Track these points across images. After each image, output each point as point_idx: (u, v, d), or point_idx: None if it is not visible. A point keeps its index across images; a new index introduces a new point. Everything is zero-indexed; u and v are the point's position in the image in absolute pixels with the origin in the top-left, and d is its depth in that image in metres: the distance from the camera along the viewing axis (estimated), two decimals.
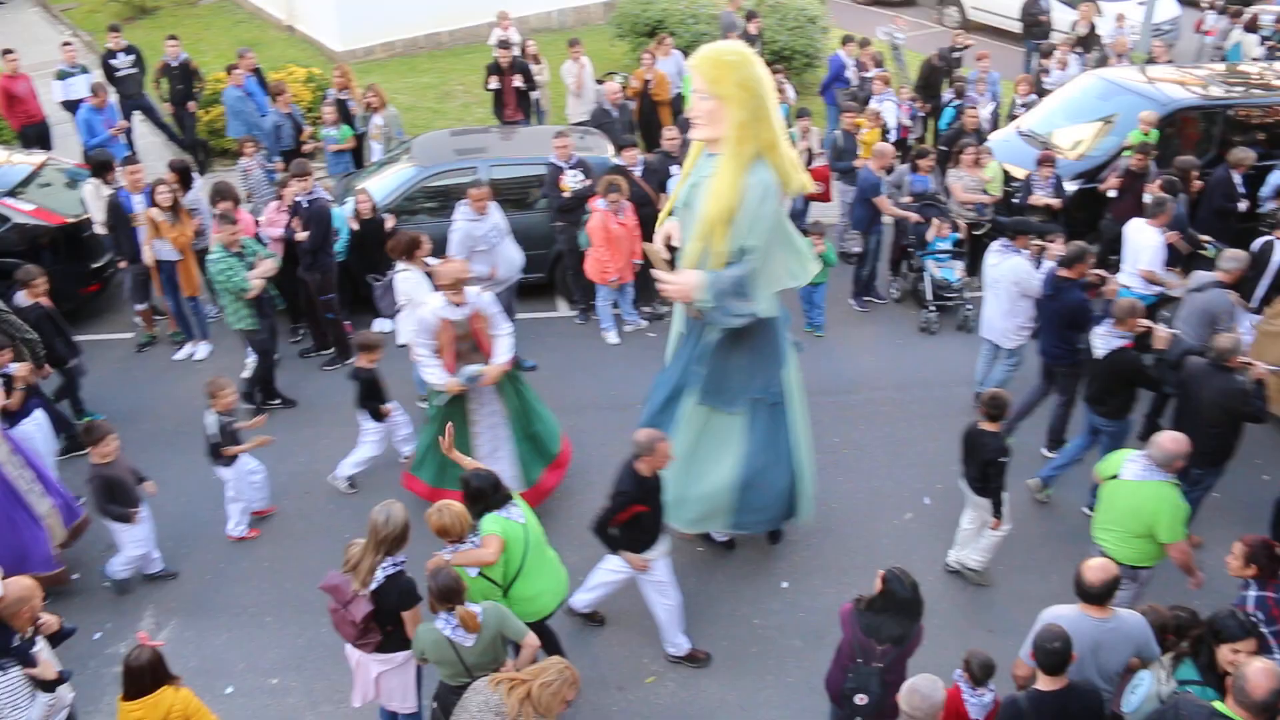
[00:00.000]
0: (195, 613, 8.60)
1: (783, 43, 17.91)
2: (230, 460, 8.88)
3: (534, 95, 15.58)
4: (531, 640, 6.37)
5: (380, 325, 12.06)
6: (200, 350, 11.83)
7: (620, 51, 19.00)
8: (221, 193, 10.83)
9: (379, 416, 9.54)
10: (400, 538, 6.44)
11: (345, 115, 14.09)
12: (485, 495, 6.84)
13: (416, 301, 9.60)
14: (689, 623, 8.12)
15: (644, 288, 12.13)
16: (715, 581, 8.78)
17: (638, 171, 11.74)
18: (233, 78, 14.51)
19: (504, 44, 15.36)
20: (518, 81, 15.07)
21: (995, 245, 10.18)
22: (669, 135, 12.32)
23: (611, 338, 11.93)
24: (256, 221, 11.51)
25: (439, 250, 10.48)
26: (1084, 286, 9.47)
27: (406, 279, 9.89)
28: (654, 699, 7.80)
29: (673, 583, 7.81)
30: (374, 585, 6.42)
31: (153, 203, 11.06)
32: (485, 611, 6.23)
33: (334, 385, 11.01)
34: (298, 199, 11.19)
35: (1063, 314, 9.44)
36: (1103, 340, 8.93)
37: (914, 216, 12.14)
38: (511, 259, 10.97)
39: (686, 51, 15.91)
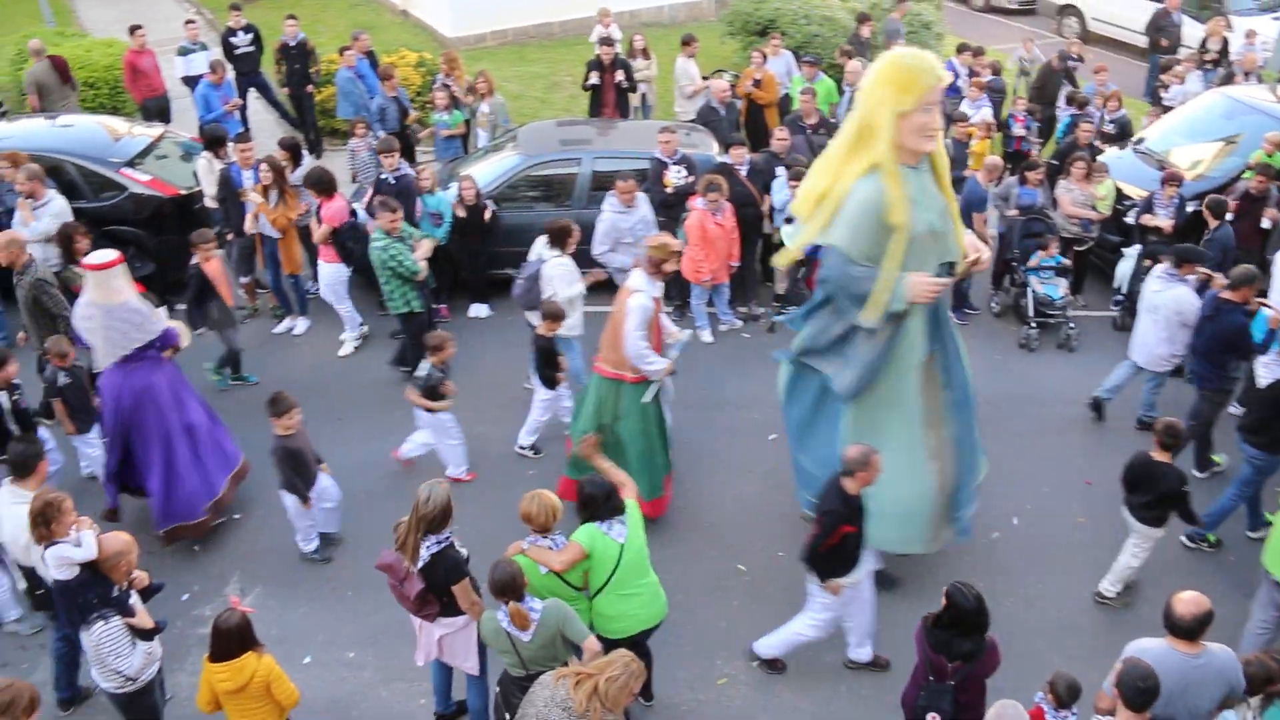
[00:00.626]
0: (279, 582, 8.78)
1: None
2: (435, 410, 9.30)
3: (640, 90, 15.57)
4: (592, 644, 6.29)
5: (476, 311, 12.21)
6: (299, 325, 12.06)
7: (730, 50, 18.90)
8: (319, 180, 11.04)
9: (551, 384, 9.70)
10: (440, 517, 6.49)
11: (456, 101, 14.25)
12: (595, 503, 6.63)
13: (562, 293, 9.75)
14: (763, 628, 8.05)
15: (739, 288, 12.05)
16: (796, 590, 8.66)
17: (743, 171, 11.65)
18: (345, 59, 14.76)
19: (607, 41, 15.36)
20: (618, 78, 15.06)
21: (1158, 270, 9.90)
22: (779, 136, 12.20)
23: (705, 336, 11.84)
24: (353, 209, 11.64)
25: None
26: (1247, 312, 9.14)
27: (559, 266, 9.89)
28: (725, 701, 7.73)
29: (873, 595, 7.66)
30: (421, 563, 6.53)
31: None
32: (545, 610, 6.23)
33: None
34: (383, 176, 11.40)
35: (1221, 337, 9.13)
36: (1267, 369, 8.64)
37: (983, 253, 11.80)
38: None
39: (797, 52, 15.86)
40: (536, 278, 10.00)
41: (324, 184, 11.06)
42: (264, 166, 11.26)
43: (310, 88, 15.89)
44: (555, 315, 9.46)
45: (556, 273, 9.88)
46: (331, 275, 11.31)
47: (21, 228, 10.86)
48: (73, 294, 9.70)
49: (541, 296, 9.93)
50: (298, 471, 8.39)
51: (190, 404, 8.96)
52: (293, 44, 15.64)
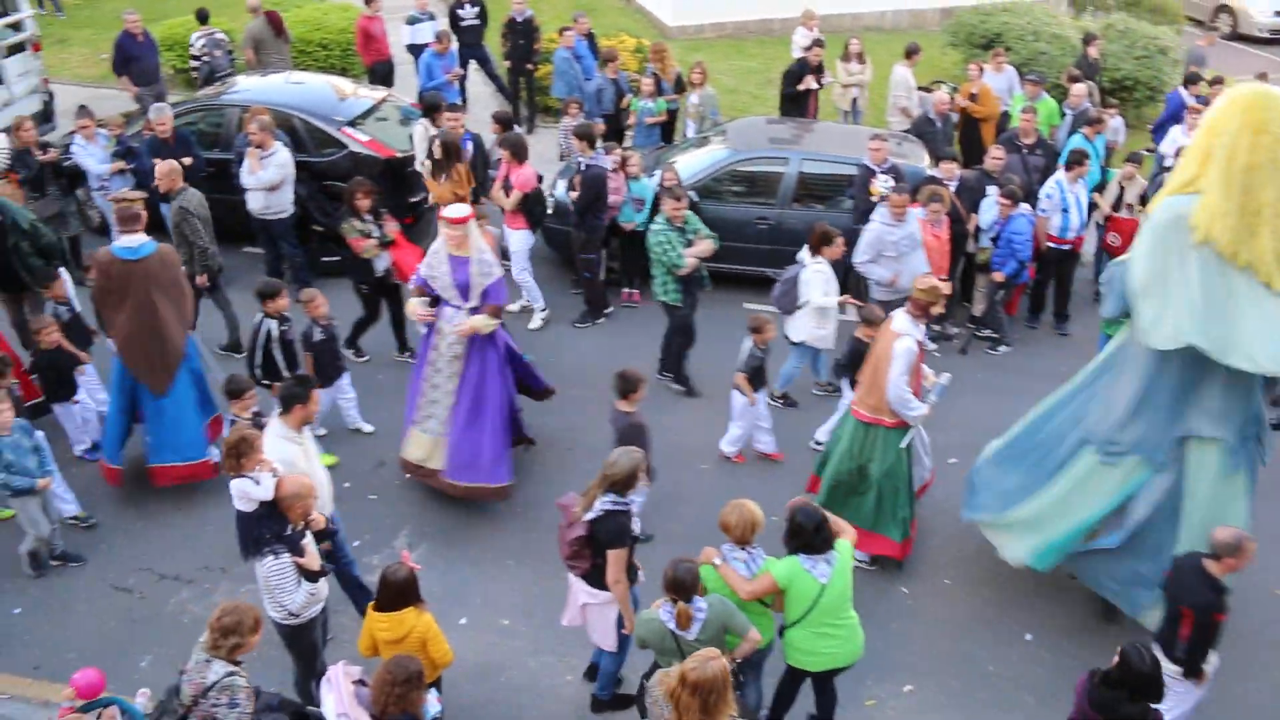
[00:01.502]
0: (446, 543, 9.01)
1: (1126, 71, 16.85)
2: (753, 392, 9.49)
3: (852, 95, 15.31)
4: (753, 635, 6.29)
5: None
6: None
7: (951, 61, 18.45)
8: (514, 144, 11.34)
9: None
10: (624, 481, 6.65)
11: (661, 89, 14.33)
12: (803, 534, 6.39)
13: (815, 301, 9.77)
14: (919, 654, 7.82)
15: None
16: (956, 619, 8.42)
17: (952, 187, 11.32)
18: (564, 39, 15.01)
19: (819, 43, 15.14)
20: (813, 84, 14.88)
21: None
22: (994, 154, 11.80)
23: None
24: (539, 177, 11.78)
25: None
26: None
27: (818, 273, 9.85)
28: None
29: None
30: (592, 515, 6.64)
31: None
32: (710, 606, 6.19)
33: (589, 344, 11.37)
34: (579, 159, 11.60)
35: None
36: None
37: None
38: (916, 270, 10.30)
39: (1021, 69, 15.32)
40: (795, 281, 9.97)
41: (517, 148, 11.29)
42: (438, 142, 11.41)
43: (530, 65, 16.22)
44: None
45: (813, 279, 9.83)
46: (520, 241, 11.57)
47: (249, 175, 11.47)
48: (346, 245, 10.40)
49: (798, 301, 9.93)
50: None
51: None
52: (520, 20, 15.97)
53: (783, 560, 6.46)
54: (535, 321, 11.85)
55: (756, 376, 9.40)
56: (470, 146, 11.89)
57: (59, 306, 9.77)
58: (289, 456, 7.24)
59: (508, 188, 11.27)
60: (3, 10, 14.78)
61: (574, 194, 11.61)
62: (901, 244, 10.41)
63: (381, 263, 10.62)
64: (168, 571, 8.70)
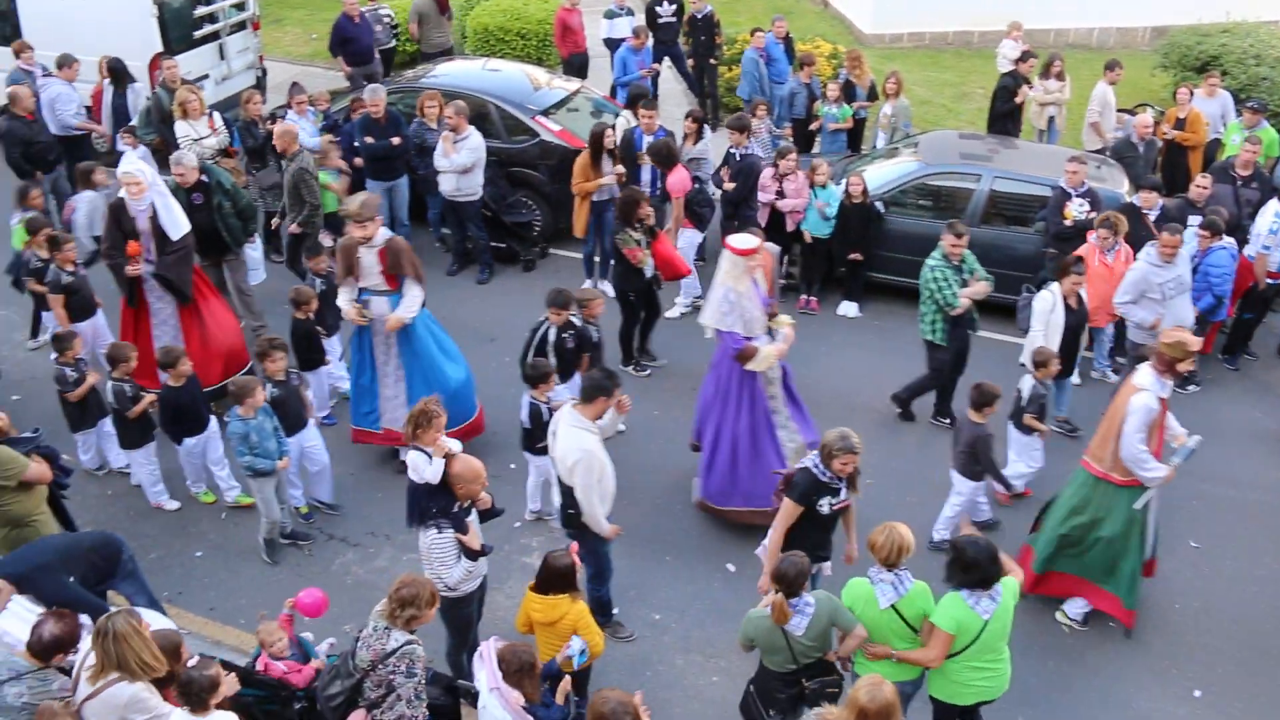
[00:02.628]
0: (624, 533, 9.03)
1: None
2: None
3: (1049, 113, 14.81)
4: (860, 631, 6.28)
5: (845, 309, 12.09)
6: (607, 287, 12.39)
7: (1159, 84, 17.64)
8: (659, 152, 11.41)
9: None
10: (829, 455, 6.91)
11: (849, 98, 14.16)
12: (978, 567, 6.15)
13: (1041, 327, 9.50)
14: (1076, 698, 7.52)
15: (1121, 336, 11.24)
16: (1119, 665, 8.06)
17: (1151, 216, 10.84)
18: (754, 39, 14.97)
19: (1027, 55, 14.67)
20: (1028, 94, 14.38)
21: None
22: (1200, 183, 11.21)
23: (1072, 378, 11.17)
24: (696, 180, 11.77)
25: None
26: None
27: (1043, 299, 9.60)
28: None
29: None
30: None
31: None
32: (818, 602, 6.21)
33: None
34: (731, 150, 11.69)
35: None
36: None
37: None
38: (1181, 317, 9.93)
39: (1238, 95, 14.55)
40: (1029, 305, 9.79)
41: (664, 156, 11.35)
42: (609, 133, 11.68)
43: (712, 60, 16.24)
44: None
45: (1038, 307, 9.57)
46: (687, 240, 11.72)
47: (442, 158, 11.81)
48: (623, 256, 10.33)
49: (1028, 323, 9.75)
50: None
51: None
52: (699, 16, 16.02)
53: (945, 602, 6.27)
54: (674, 311, 11.97)
55: (1041, 412, 9.01)
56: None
57: (316, 278, 10.14)
58: (584, 444, 7.29)
59: (663, 194, 11.47)
60: None
61: (728, 185, 11.67)
62: (1168, 287, 9.85)
63: (649, 269, 10.50)
64: (336, 533, 9.08)
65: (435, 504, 6.93)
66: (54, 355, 9.10)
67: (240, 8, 15.82)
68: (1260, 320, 11.41)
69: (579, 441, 7.26)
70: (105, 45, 13.67)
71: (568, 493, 7.43)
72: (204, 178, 10.34)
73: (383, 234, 9.06)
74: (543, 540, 8.97)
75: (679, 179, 11.35)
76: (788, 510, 7.09)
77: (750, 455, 8.72)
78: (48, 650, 5.92)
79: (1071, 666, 8.02)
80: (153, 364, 9.28)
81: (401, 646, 5.92)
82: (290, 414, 8.76)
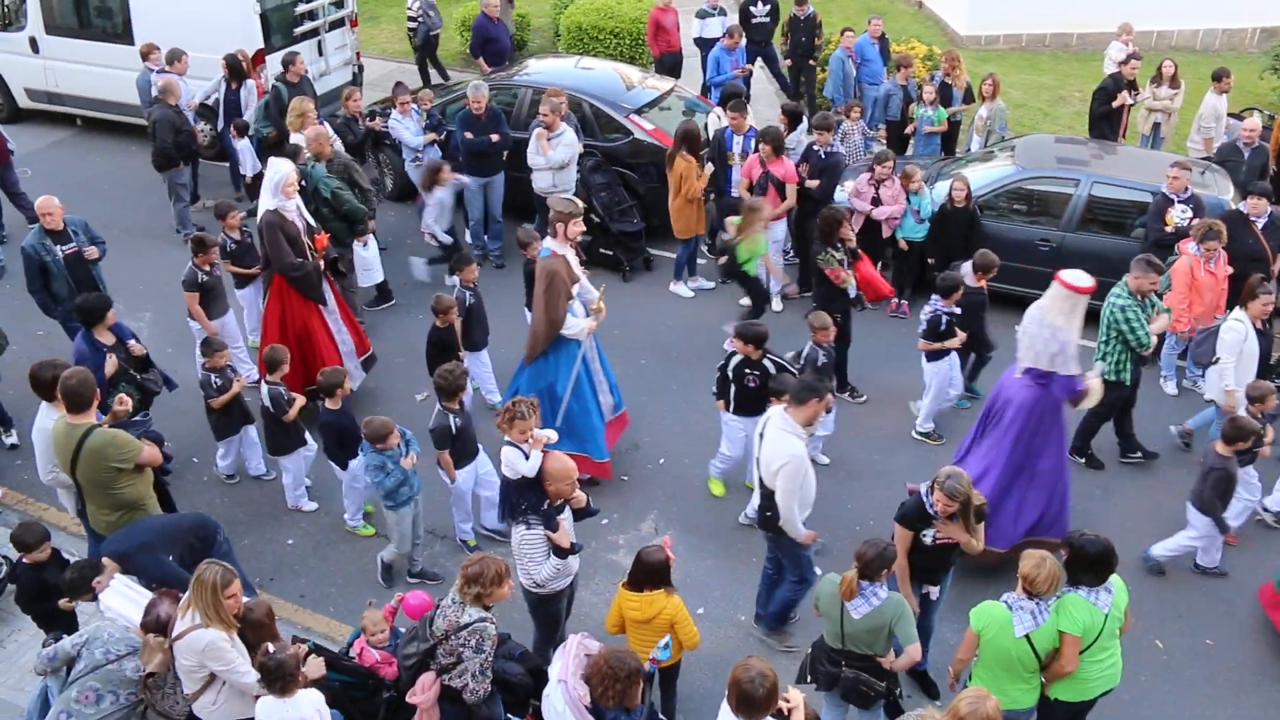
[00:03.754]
0: (692, 530, 9.11)
1: None
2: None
3: (1155, 119, 14.46)
4: (914, 651, 6.31)
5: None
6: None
7: (1268, 86, 17.15)
8: (773, 138, 11.39)
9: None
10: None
11: (945, 100, 13.98)
12: (1102, 564, 6.18)
13: (1233, 359, 9.07)
14: (1169, 714, 7.36)
15: None
16: (1214, 682, 7.86)
17: (1259, 224, 10.54)
18: (844, 39, 14.87)
19: (1136, 57, 14.34)
20: (1129, 99, 14.07)
21: None
22: None
23: (1169, 388, 10.92)
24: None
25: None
26: None
27: (1234, 330, 9.14)
28: None
29: None
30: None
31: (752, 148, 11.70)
32: (889, 600, 6.26)
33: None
34: (815, 148, 11.66)
35: None
36: None
37: None
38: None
39: None
40: (1213, 334, 9.50)
41: (778, 141, 11.39)
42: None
43: (812, 61, 16.15)
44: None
45: (1227, 335, 9.16)
46: (779, 233, 11.81)
47: (537, 155, 11.89)
48: (825, 277, 9.98)
49: (1212, 358, 9.42)
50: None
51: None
52: (802, 18, 15.94)
53: (1068, 606, 6.20)
54: (776, 304, 12.04)
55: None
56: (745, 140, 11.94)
57: (464, 290, 9.91)
58: (793, 449, 7.16)
59: (770, 184, 11.32)
60: None
61: (813, 183, 11.62)
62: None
63: (851, 289, 10.17)
64: (428, 525, 9.10)
65: (525, 500, 7.02)
66: (200, 360, 9.10)
67: (339, 4, 16.10)
68: None
69: (787, 446, 7.16)
70: (210, 42, 13.98)
71: (768, 495, 7.38)
72: (303, 183, 10.45)
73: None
74: (629, 538, 9.02)
75: (786, 169, 11.38)
76: (898, 534, 7.05)
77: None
78: (162, 628, 6.12)
79: (1165, 683, 7.83)
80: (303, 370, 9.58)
81: (474, 622, 6.06)
82: (468, 442, 8.47)
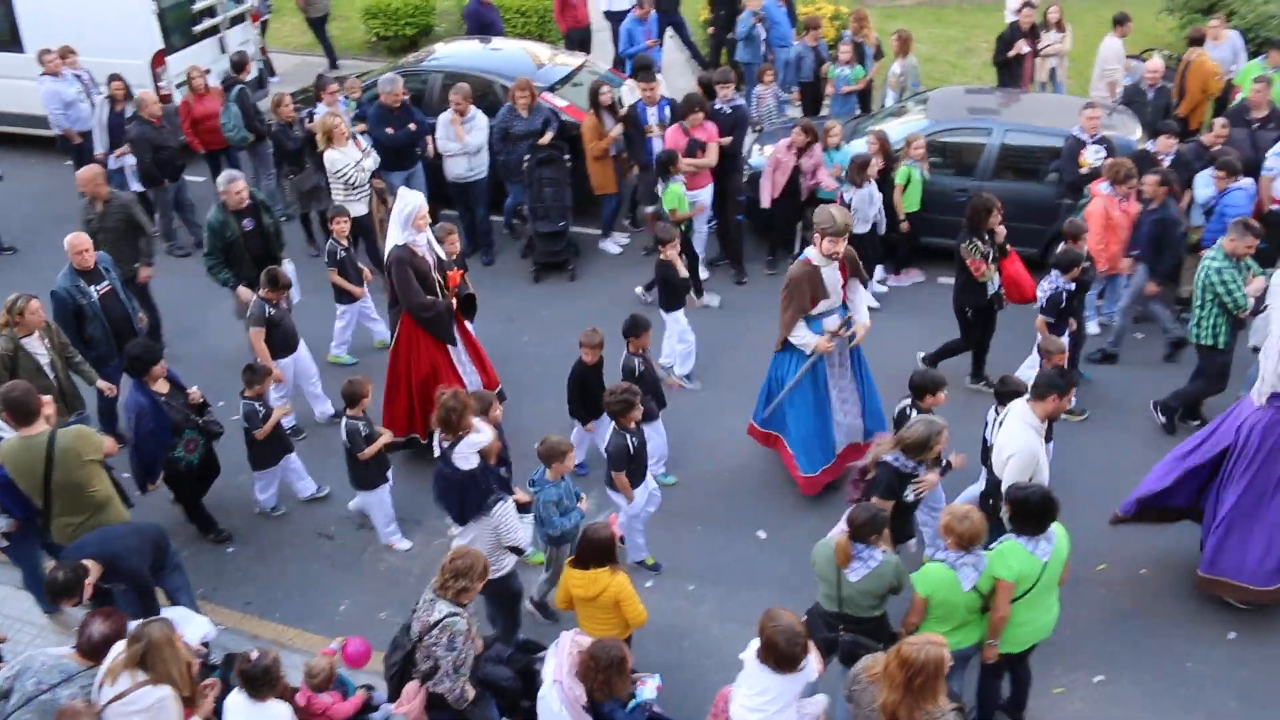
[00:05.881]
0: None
1: None
2: None
3: (1050, 64, 14.66)
4: (920, 606, 6.32)
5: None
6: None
7: (1165, 27, 17.44)
8: (701, 102, 11.39)
9: None
10: (914, 446, 6.93)
11: (860, 58, 14.05)
12: (1044, 513, 6.25)
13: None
14: (1114, 645, 7.60)
15: None
16: (1153, 612, 8.07)
17: (1166, 161, 10.74)
18: (750, 3, 14.87)
19: (1029, 4, 14.51)
20: (1024, 48, 14.21)
21: None
22: (1218, 129, 11.10)
23: (1091, 327, 11.11)
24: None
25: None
26: None
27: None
28: (1058, 710, 7.37)
29: None
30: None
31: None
32: (885, 563, 6.30)
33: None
34: (719, 104, 11.74)
35: None
36: None
37: None
38: None
39: (1246, 34, 14.39)
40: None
41: (699, 106, 11.41)
42: (604, 89, 11.92)
43: (730, 35, 16.11)
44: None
45: (1275, 286, 8.53)
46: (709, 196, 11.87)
47: (452, 143, 11.76)
48: (965, 267, 9.54)
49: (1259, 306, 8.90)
50: None
51: None
52: None
53: (1005, 553, 6.30)
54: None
55: None
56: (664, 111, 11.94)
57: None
58: (1028, 442, 7.02)
59: (698, 149, 11.35)
60: None
61: (724, 140, 11.66)
62: None
63: (992, 285, 9.79)
64: (367, 522, 9.04)
65: (493, 479, 7.13)
66: (243, 389, 8.71)
67: (238, 0, 15.77)
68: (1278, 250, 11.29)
69: (1024, 439, 7.02)
70: (106, 44, 13.68)
71: (994, 484, 7.27)
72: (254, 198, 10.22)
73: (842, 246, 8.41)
74: (588, 516, 8.99)
75: (711, 131, 11.42)
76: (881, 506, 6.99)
77: None
78: (97, 650, 5.96)
79: (1107, 615, 8.02)
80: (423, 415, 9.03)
81: (444, 618, 6.01)
82: (643, 462, 8.09)
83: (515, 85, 12.07)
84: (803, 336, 8.58)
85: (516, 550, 7.11)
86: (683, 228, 11.06)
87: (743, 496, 9.23)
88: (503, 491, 7.05)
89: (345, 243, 10.47)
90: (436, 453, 7.28)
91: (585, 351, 8.67)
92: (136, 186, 12.84)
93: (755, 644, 5.74)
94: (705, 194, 11.70)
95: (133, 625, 5.95)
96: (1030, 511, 6.26)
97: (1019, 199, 11.17)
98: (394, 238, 8.93)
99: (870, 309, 9.51)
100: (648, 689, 6.24)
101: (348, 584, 8.57)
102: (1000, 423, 7.41)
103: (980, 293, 9.76)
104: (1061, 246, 9.62)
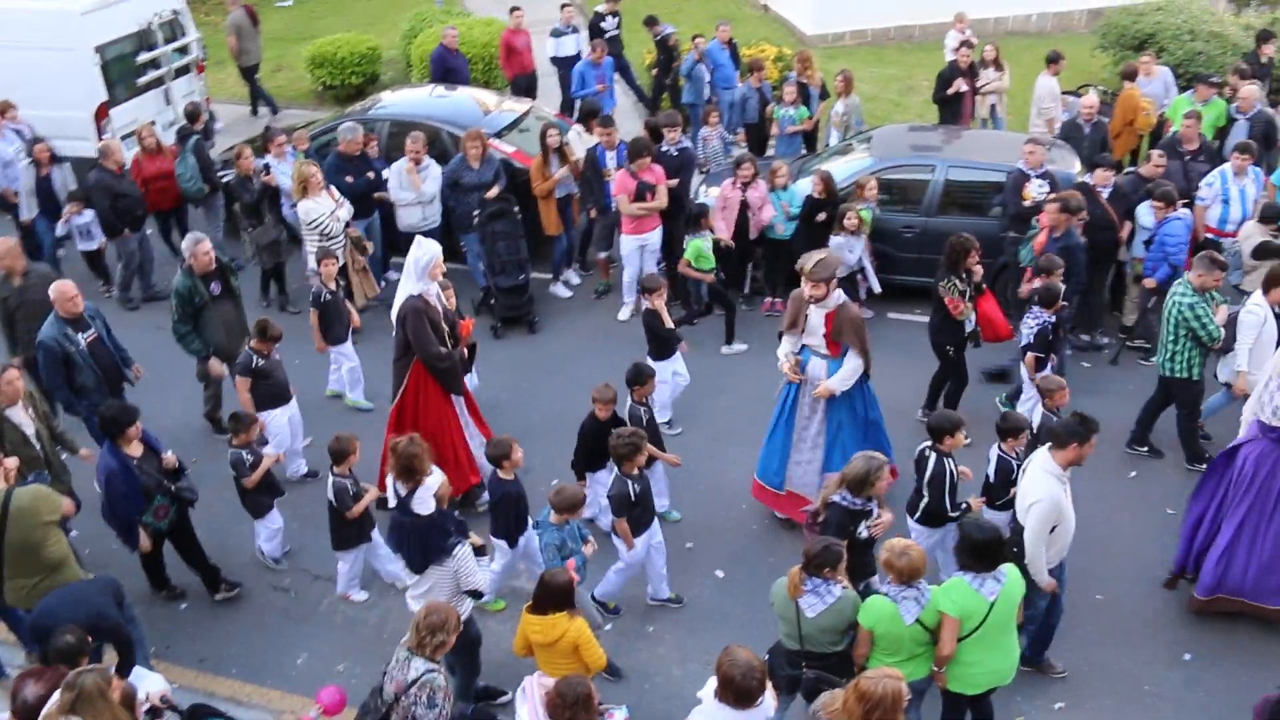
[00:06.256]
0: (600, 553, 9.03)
1: None
2: None
3: (990, 101, 14.97)
4: (866, 638, 6.33)
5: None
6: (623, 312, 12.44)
7: (1100, 64, 17.89)
8: (647, 146, 11.58)
9: None
10: (856, 484, 7.05)
11: (804, 98, 14.26)
12: (987, 551, 6.23)
13: (1250, 343, 8.97)
14: (1071, 670, 7.67)
15: (1085, 315, 11.35)
16: (1111, 635, 8.16)
17: (1105, 194, 10.98)
18: (695, 46, 15.13)
19: (968, 44, 14.85)
20: (963, 86, 14.53)
21: None
22: (1155, 161, 11.37)
23: None
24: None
25: None
26: None
27: (1253, 313, 8.97)
28: None
29: None
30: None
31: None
32: (843, 598, 6.31)
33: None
34: (665, 147, 11.88)
35: None
36: None
37: None
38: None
39: (1176, 70, 14.80)
40: (1233, 320, 9.12)
41: (645, 150, 11.54)
42: (551, 132, 12.05)
43: (668, 81, 16.37)
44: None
45: (1245, 320, 9.02)
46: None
47: (406, 191, 11.76)
48: (942, 304, 9.64)
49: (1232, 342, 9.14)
50: None
51: None
52: (659, 39, 16.19)
53: (949, 588, 6.33)
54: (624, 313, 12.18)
55: None
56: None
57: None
58: (1050, 490, 6.93)
59: (647, 192, 11.45)
60: (171, 35, 15.48)
61: (671, 182, 11.84)
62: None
63: (969, 324, 9.89)
64: (322, 573, 8.95)
65: (451, 522, 7.10)
66: (230, 437, 8.56)
67: (183, 51, 15.74)
68: None
69: (1046, 488, 6.93)
70: (47, 97, 13.59)
71: (1019, 533, 7.16)
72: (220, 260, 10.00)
73: (835, 298, 8.45)
74: (530, 563, 8.96)
75: (658, 174, 11.57)
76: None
77: None
78: (33, 712, 5.83)
79: (1065, 640, 8.01)
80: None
81: (421, 676, 5.93)
82: (646, 509, 8.06)
83: (466, 136, 12.02)
84: (782, 348, 8.80)
85: (475, 594, 7.06)
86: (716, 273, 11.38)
87: (700, 536, 9.23)
88: (459, 535, 6.99)
89: (333, 285, 10.37)
90: (392, 502, 7.22)
91: (599, 407, 8.52)
92: (85, 246, 12.67)
93: (713, 682, 5.73)
94: (654, 236, 11.78)
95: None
96: (976, 549, 6.26)
97: (964, 233, 11.33)
98: (408, 288, 8.75)
99: None
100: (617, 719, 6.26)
101: (304, 636, 8.45)
102: (1024, 469, 7.33)
103: (959, 330, 9.86)
104: (1038, 281, 9.77)
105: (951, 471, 7.63)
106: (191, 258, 9.65)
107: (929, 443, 7.78)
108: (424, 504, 7.03)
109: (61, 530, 7.41)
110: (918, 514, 7.85)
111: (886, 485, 7.23)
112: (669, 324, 9.88)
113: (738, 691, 5.50)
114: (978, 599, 6.25)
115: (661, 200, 11.55)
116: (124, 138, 14.17)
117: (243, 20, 17.26)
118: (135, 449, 8.05)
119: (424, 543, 6.99)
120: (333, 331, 10.49)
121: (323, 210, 11.07)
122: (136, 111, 14.69)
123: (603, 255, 12.49)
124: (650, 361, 9.48)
